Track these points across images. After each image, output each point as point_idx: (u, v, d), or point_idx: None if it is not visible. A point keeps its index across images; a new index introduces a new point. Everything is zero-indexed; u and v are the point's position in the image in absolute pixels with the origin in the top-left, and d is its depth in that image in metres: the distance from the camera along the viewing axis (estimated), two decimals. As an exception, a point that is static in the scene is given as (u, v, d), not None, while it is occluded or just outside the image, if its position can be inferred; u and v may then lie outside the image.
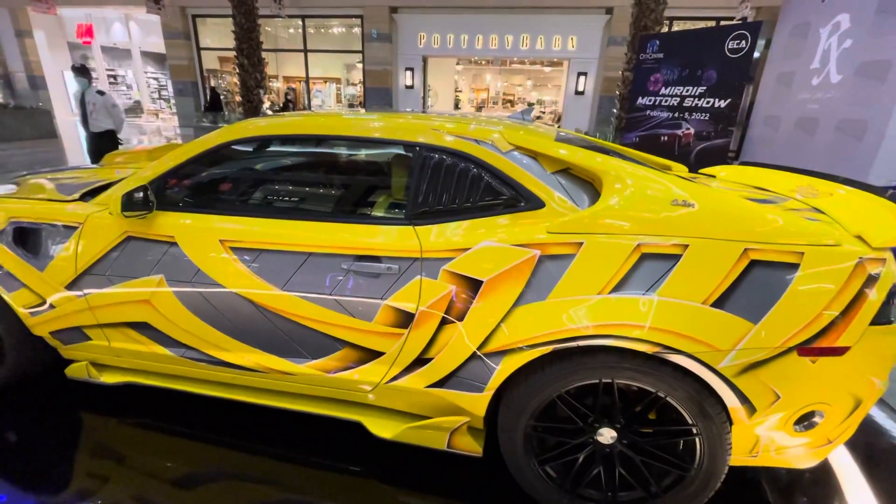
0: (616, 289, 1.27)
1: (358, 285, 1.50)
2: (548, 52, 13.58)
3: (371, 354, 1.57)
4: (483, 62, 18.86)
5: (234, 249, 1.58)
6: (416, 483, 1.69)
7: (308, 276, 1.53)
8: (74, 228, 1.72)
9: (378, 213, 1.77)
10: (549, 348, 1.30)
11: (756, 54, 3.13)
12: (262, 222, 1.60)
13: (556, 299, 1.31)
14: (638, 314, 1.24)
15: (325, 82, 17.94)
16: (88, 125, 5.23)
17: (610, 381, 1.31)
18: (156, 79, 19.83)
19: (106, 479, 1.66)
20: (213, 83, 15.64)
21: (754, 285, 1.21)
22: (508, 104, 21.40)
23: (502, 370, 1.37)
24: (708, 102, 3.44)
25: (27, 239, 1.78)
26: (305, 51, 14.72)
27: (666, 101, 3.79)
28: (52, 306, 1.79)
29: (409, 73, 14.27)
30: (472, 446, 1.58)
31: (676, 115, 3.72)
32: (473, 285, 1.39)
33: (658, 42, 3.72)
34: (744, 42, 3.09)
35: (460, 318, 1.42)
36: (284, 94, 16.02)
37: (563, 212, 1.40)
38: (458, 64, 18.18)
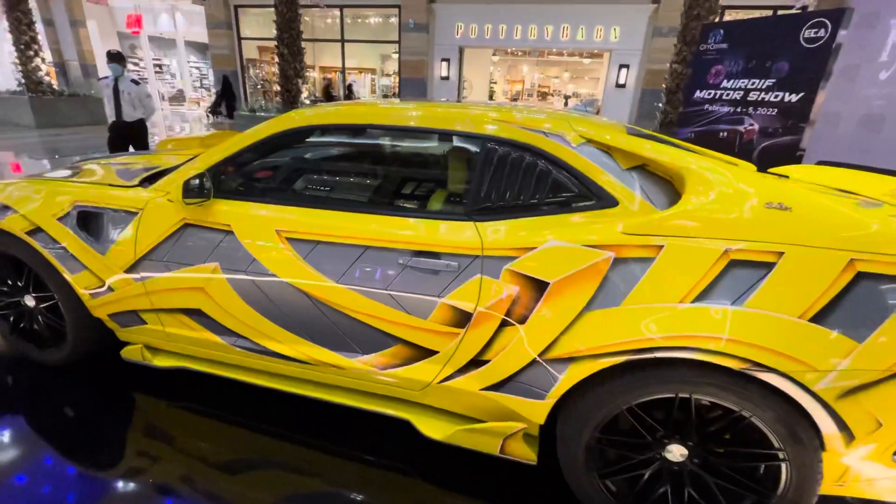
0: (700, 297, 1.17)
1: (415, 281, 1.45)
2: (589, 43, 13.16)
3: (424, 352, 1.53)
4: (519, 53, 18.53)
5: (290, 240, 1.56)
6: (463, 486, 1.64)
7: (364, 270, 1.49)
8: (135, 214, 1.74)
9: (437, 207, 1.71)
10: (623, 358, 1.21)
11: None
12: (319, 213, 1.57)
13: (631, 306, 1.22)
14: (724, 326, 1.14)
15: (360, 72, 18.03)
16: (122, 114, 4.99)
17: (687, 396, 1.22)
18: (197, 68, 20.42)
19: (155, 458, 1.70)
20: (252, 72, 15.97)
21: (860, 300, 1.09)
22: (550, 96, 20.99)
23: (567, 378, 1.30)
24: (776, 96, 3.19)
25: (90, 223, 1.82)
26: (343, 41, 14.81)
27: (728, 94, 3.54)
28: (111, 289, 1.83)
29: (444, 63, 14.14)
30: (526, 453, 1.52)
31: (739, 109, 3.49)
32: (538, 287, 1.32)
33: (722, 31, 3.48)
34: (822, 31, 2.84)
35: (522, 321, 1.35)
36: (330, 85, 15.80)
37: (638, 211, 1.31)
38: (493, 55, 17.91)
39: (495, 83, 19.95)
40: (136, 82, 5.11)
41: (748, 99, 3.38)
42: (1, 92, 10.67)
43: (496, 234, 1.39)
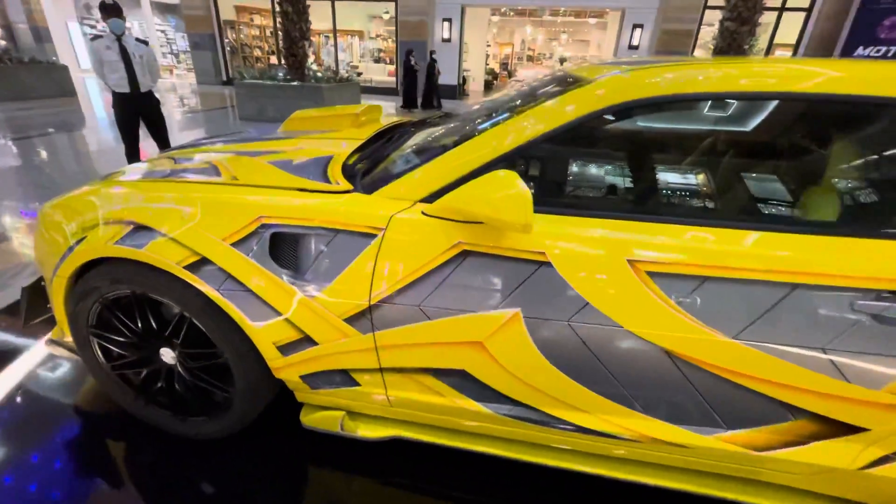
0: None
1: (876, 337, 0.96)
2: (600, 0, 12.43)
3: (844, 430, 1.06)
4: (511, 14, 17.51)
5: (654, 275, 1.03)
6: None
7: (786, 320, 0.99)
8: (369, 237, 1.15)
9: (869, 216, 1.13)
10: None
11: None
12: (704, 233, 1.03)
13: None
14: None
15: (347, 35, 16.72)
16: (139, 84, 4.04)
17: None
18: (163, 31, 18.47)
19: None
20: (231, 35, 14.46)
21: None
22: (543, 59, 20.20)
23: None
24: None
25: (284, 249, 1.22)
26: (333, -1, 13.53)
27: (907, 51, 3.10)
28: (314, 343, 1.25)
29: (446, 24, 13.13)
30: None
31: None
32: None
33: (907, -26, 2.99)
34: None
35: None
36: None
37: None
38: (493, 15, 16.86)
39: (489, 46, 18.94)
40: (144, 42, 4.15)
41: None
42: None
43: None
